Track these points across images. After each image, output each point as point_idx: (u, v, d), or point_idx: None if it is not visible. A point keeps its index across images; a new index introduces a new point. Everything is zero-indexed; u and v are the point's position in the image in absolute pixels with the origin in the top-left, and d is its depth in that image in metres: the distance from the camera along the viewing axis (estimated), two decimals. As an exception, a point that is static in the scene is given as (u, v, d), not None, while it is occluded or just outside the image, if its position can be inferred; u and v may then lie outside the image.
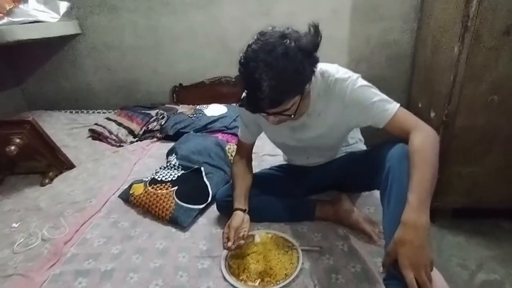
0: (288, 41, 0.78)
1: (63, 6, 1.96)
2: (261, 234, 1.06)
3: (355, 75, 0.94)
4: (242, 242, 0.96)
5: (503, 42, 1.34)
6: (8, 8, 1.68)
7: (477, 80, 1.43)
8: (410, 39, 2.05)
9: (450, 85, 1.46)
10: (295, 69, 0.79)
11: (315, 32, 0.82)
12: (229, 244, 0.95)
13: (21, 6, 1.74)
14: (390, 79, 2.15)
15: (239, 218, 1.02)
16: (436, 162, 0.79)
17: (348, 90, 0.92)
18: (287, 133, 1.08)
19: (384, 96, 0.91)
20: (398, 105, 0.90)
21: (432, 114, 1.65)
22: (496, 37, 1.34)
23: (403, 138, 0.87)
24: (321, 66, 0.95)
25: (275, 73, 0.77)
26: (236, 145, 1.29)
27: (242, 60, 0.82)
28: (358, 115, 0.94)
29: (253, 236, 1.05)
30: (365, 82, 0.93)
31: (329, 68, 0.96)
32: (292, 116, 0.88)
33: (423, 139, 0.82)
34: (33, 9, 1.80)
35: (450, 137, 1.55)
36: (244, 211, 1.05)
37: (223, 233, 1.02)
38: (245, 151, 1.22)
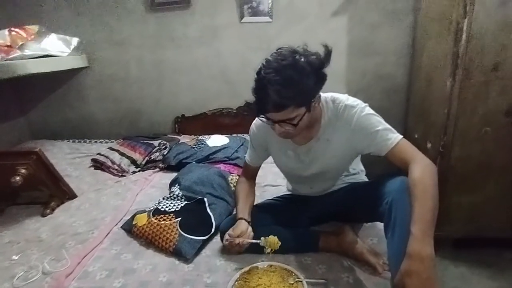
0: (298, 55, 0.88)
1: (74, 42, 2.05)
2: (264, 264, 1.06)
3: (363, 104, 1.02)
4: (242, 240, 1.02)
5: (492, 77, 1.43)
6: (20, 43, 1.75)
7: (470, 112, 1.49)
8: (404, 72, 2.16)
9: (445, 118, 1.52)
10: (301, 79, 0.87)
11: (326, 53, 0.91)
12: (229, 238, 1.02)
13: (34, 40, 1.82)
14: (386, 110, 2.19)
15: (243, 225, 1.07)
16: (436, 193, 0.82)
17: (356, 116, 0.99)
18: (294, 158, 1.13)
19: (389, 126, 0.98)
20: (401, 136, 0.96)
21: (429, 145, 1.71)
22: (485, 73, 1.42)
23: (403, 168, 0.91)
24: (332, 95, 1.06)
25: (282, 79, 0.86)
26: (242, 167, 1.34)
27: (258, 70, 0.91)
28: (362, 141, 0.99)
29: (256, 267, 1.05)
30: (372, 111, 1.01)
31: (340, 96, 1.06)
32: (295, 124, 0.93)
33: (422, 171, 0.85)
34: (46, 43, 1.88)
35: (448, 167, 1.59)
36: (248, 222, 1.09)
37: (224, 236, 1.07)
38: (250, 174, 1.29)
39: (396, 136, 0.95)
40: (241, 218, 1.10)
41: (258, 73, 0.91)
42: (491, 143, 1.53)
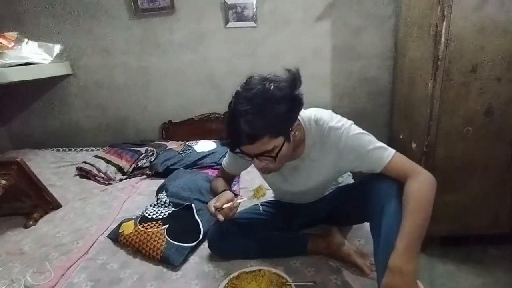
0: (268, 83, 0.84)
1: (56, 49, 2.02)
2: None
3: (348, 122, 0.96)
4: (229, 205, 1.00)
5: (471, 79, 1.47)
6: (0, 52, 1.71)
7: (451, 113, 1.53)
8: (388, 75, 2.20)
9: (428, 118, 1.55)
10: (272, 107, 0.82)
11: (292, 77, 0.86)
12: (217, 204, 0.99)
13: (14, 48, 1.78)
14: (371, 112, 2.26)
15: (229, 194, 1.05)
16: (430, 207, 0.82)
17: (343, 138, 0.93)
18: (278, 175, 1.09)
19: (379, 143, 0.93)
20: (394, 151, 0.91)
21: (414, 145, 1.74)
22: (464, 74, 1.46)
23: (400, 181, 0.89)
24: (315, 113, 0.99)
25: (252, 108, 0.82)
26: (218, 169, 1.32)
27: (229, 103, 0.88)
28: (352, 162, 0.95)
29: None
30: (359, 129, 0.95)
31: (323, 115, 0.99)
32: (274, 157, 0.88)
33: (420, 185, 0.84)
34: (27, 51, 1.84)
35: (432, 166, 1.61)
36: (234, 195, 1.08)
37: (209, 207, 1.02)
38: (227, 177, 1.27)
39: (388, 154, 0.90)
40: (225, 190, 1.09)
41: (229, 105, 0.88)
42: (473, 142, 1.56)
